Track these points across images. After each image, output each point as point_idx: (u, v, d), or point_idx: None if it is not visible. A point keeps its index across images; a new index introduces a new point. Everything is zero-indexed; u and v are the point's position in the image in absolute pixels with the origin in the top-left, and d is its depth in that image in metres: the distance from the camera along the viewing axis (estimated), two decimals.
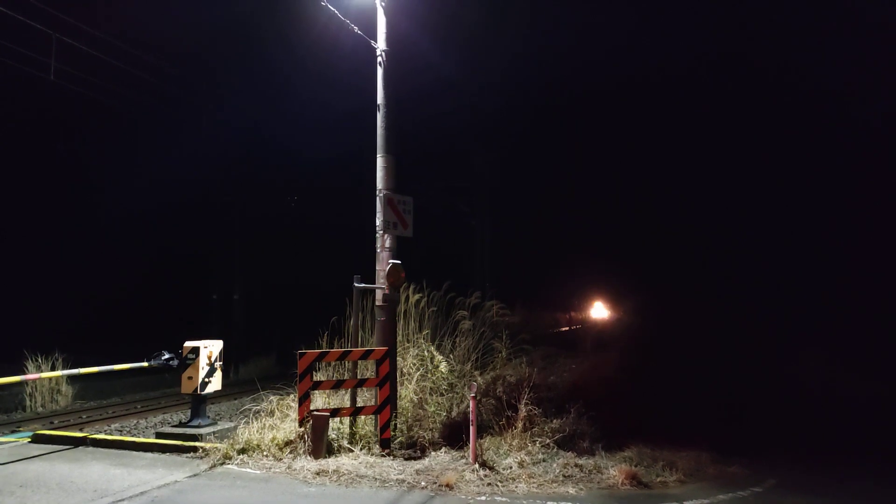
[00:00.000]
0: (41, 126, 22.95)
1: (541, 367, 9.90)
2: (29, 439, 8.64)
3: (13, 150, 23.64)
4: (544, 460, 7.01)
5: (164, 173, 23.25)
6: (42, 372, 11.88)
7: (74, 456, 7.76)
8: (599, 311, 25.73)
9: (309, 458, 7.13)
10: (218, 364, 8.86)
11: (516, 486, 6.25)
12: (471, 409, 6.89)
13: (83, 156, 24.35)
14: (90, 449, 8.12)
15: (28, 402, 12.44)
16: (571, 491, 6.17)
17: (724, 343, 14.34)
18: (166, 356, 8.98)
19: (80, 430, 9.59)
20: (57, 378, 12.56)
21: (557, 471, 6.63)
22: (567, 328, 24.38)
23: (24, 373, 11.86)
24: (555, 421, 7.98)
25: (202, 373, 8.58)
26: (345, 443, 7.57)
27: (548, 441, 7.45)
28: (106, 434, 8.97)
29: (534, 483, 6.34)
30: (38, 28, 10.89)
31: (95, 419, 11.00)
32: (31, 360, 12.84)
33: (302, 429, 7.44)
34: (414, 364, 8.96)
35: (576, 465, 6.79)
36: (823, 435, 8.52)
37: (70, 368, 10.83)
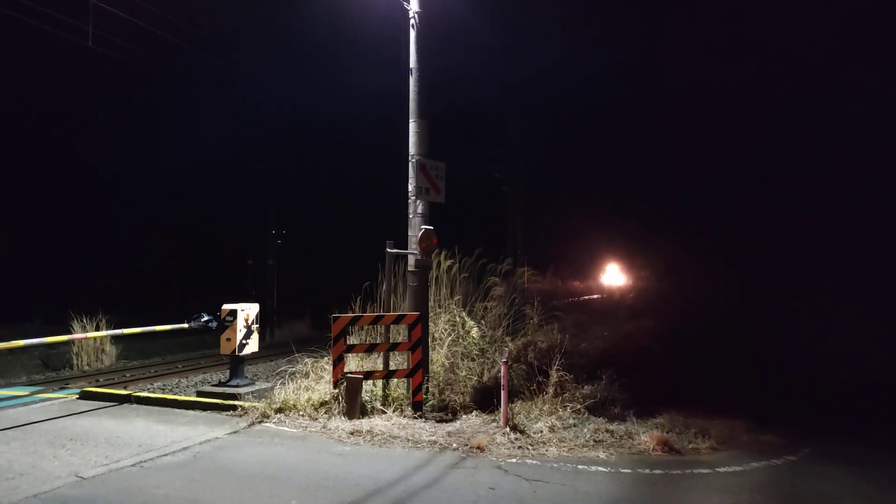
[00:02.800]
0: (84, 95, 23.42)
1: (572, 334, 9.86)
2: (77, 396, 9.04)
3: (59, 121, 24.25)
4: (575, 425, 7.04)
5: (202, 143, 23.59)
6: (87, 332, 12.34)
7: (120, 412, 8.10)
8: (624, 277, 25.42)
9: (343, 418, 7.30)
10: (255, 326, 9.07)
11: (547, 450, 6.30)
12: (502, 373, 6.93)
13: (127, 126, 24.84)
14: (134, 406, 8.46)
15: (75, 361, 12.99)
16: (602, 456, 6.20)
17: (761, 310, 14.06)
18: (206, 318, 9.23)
19: (125, 388, 9.97)
20: (102, 338, 13.05)
21: (588, 436, 6.65)
22: (598, 295, 24.22)
23: (70, 333, 12.37)
24: (586, 387, 7.98)
25: (240, 335, 8.80)
26: (378, 405, 7.72)
27: (579, 407, 7.47)
28: (149, 392, 9.31)
29: (564, 447, 6.38)
30: None
31: (138, 378, 11.43)
32: (77, 320, 13.35)
33: (336, 390, 7.60)
34: (445, 329, 9.03)
35: (607, 431, 6.80)
36: (862, 404, 8.35)
37: (114, 329, 11.24)
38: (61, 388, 10.08)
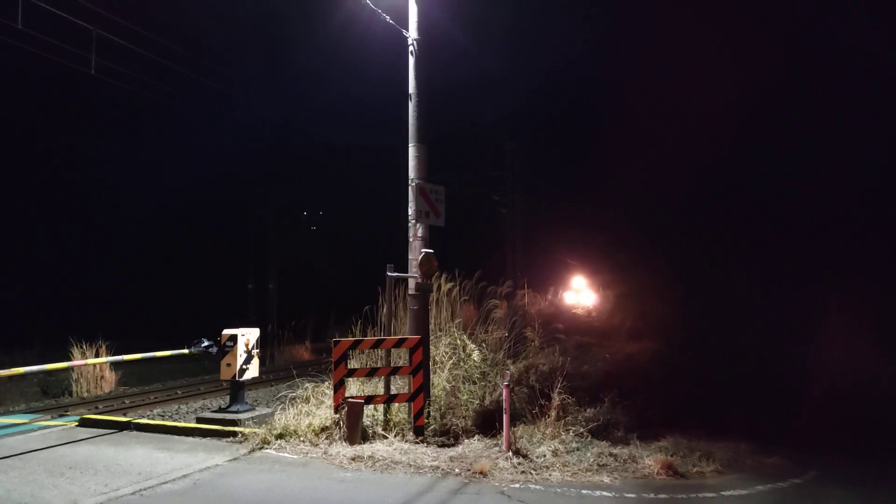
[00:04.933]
0: (83, 120, 23.65)
1: (574, 356, 9.84)
2: (76, 423, 8.97)
3: (56, 146, 24.43)
4: (578, 449, 6.99)
5: (202, 167, 23.77)
6: (87, 358, 12.29)
7: (119, 440, 8.03)
8: (595, 295, 24.76)
9: (344, 444, 7.24)
10: (255, 351, 9.04)
11: (550, 475, 6.25)
12: (504, 397, 6.90)
13: (124, 150, 25.04)
14: (134, 433, 8.39)
15: (74, 388, 12.88)
16: (606, 480, 6.15)
17: (760, 330, 14.02)
18: (206, 343, 9.20)
19: (124, 414, 9.90)
20: (101, 364, 12.98)
21: (591, 460, 6.60)
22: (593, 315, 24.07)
23: (70, 359, 12.32)
24: (588, 410, 7.94)
25: (240, 360, 8.77)
26: (379, 429, 7.67)
27: (581, 430, 7.42)
28: (149, 419, 9.24)
29: (568, 472, 6.33)
30: (80, 24, 11.17)
31: (138, 404, 11.35)
32: (77, 346, 13.28)
33: (337, 415, 7.55)
34: (446, 352, 9.00)
35: (610, 455, 6.75)
36: (868, 425, 8.29)
37: (113, 355, 11.20)
38: (60, 416, 10.01)
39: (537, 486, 5.97)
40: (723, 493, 5.83)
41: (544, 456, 6.72)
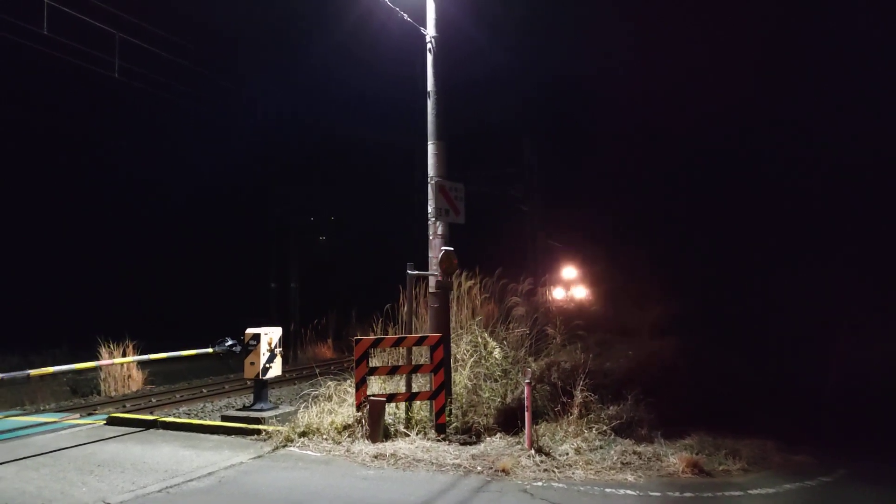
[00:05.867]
0: (106, 121, 24.02)
1: (596, 353, 9.75)
2: (104, 422, 9.14)
3: (79, 147, 24.85)
4: (601, 447, 6.93)
5: (222, 167, 24.00)
6: (114, 358, 12.51)
7: (146, 438, 8.17)
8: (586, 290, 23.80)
9: (366, 441, 7.27)
10: (278, 350, 9.12)
11: (573, 473, 6.21)
12: (526, 395, 6.87)
13: (146, 150, 25.38)
14: (160, 431, 8.53)
15: (102, 387, 13.14)
16: (630, 478, 6.09)
17: (787, 324, 13.75)
18: (229, 342, 9.31)
19: (151, 413, 10.06)
20: (128, 363, 13.21)
21: (615, 458, 6.54)
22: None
23: (98, 358, 12.55)
24: (611, 408, 7.87)
25: (263, 358, 8.85)
26: (401, 427, 7.69)
27: (604, 428, 7.36)
28: (175, 417, 9.39)
29: (591, 470, 6.28)
30: (104, 28, 11.35)
31: (164, 403, 11.53)
32: (105, 346, 13.53)
33: (359, 413, 7.59)
34: (467, 350, 8.99)
35: (634, 453, 6.69)
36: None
37: (140, 354, 11.39)
38: (89, 414, 10.20)
39: (560, 485, 5.93)
40: (750, 491, 5.74)
41: (567, 454, 6.68)
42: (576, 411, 7.52)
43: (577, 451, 6.75)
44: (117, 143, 24.33)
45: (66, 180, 25.64)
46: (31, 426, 9.07)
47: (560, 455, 6.66)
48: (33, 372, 7.78)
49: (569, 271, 23.90)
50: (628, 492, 5.73)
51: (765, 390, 9.39)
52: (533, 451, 6.65)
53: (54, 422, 9.46)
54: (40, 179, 24.84)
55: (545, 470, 6.29)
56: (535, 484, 5.95)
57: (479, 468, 6.39)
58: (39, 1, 10.09)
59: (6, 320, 19.08)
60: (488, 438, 7.40)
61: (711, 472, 6.27)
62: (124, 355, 13.11)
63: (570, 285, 23.38)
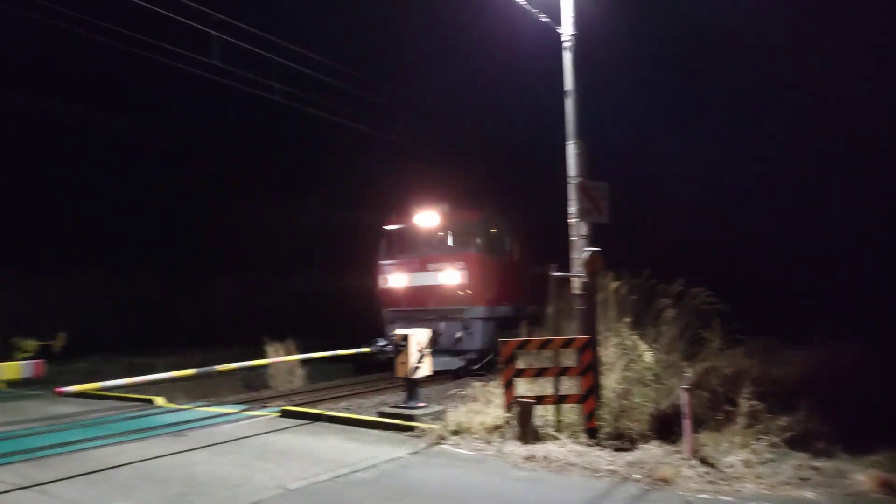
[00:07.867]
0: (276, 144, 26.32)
1: (761, 359, 9.04)
2: (278, 414, 10.05)
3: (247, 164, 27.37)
4: (773, 460, 6.40)
5: (365, 181, 25.16)
6: (280, 356, 13.67)
7: (313, 430, 8.85)
8: None
9: (516, 443, 7.32)
10: (426, 351, 9.46)
11: (742, 486, 5.80)
12: (685, 401, 6.53)
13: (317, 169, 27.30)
14: (325, 424, 9.20)
15: (271, 382, 14.44)
16: (809, 495, 5.56)
17: None
18: (382, 343, 9.81)
19: (314, 406, 10.88)
20: (291, 361, 14.38)
21: (790, 472, 6.01)
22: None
23: (265, 357, 13.80)
24: (782, 418, 7.24)
25: (412, 359, 9.23)
26: (550, 430, 7.65)
27: (775, 440, 6.78)
28: (337, 411, 10.08)
29: (763, 484, 5.82)
30: (263, 54, 12.52)
31: (325, 398, 12.42)
32: (270, 345, 14.84)
33: (508, 414, 7.66)
34: (615, 353, 8.73)
35: (812, 468, 6.11)
36: None
37: (301, 354, 12.36)
38: (263, 407, 11.24)
39: (728, 498, 5.57)
40: None
41: (733, 466, 6.25)
42: (741, 420, 7.02)
43: (746, 463, 6.28)
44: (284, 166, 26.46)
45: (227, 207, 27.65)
46: (217, 416, 10.19)
47: (726, 467, 6.24)
48: (219, 367, 8.75)
49: None
50: None
51: None
52: (695, 461, 6.31)
53: (235, 413, 10.54)
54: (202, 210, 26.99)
55: (710, 482, 5.93)
56: (699, 496, 5.63)
57: (636, 475, 6.18)
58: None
59: (190, 326, 21.84)
60: (643, 445, 7.12)
61: None
62: (287, 354, 14.29)
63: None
